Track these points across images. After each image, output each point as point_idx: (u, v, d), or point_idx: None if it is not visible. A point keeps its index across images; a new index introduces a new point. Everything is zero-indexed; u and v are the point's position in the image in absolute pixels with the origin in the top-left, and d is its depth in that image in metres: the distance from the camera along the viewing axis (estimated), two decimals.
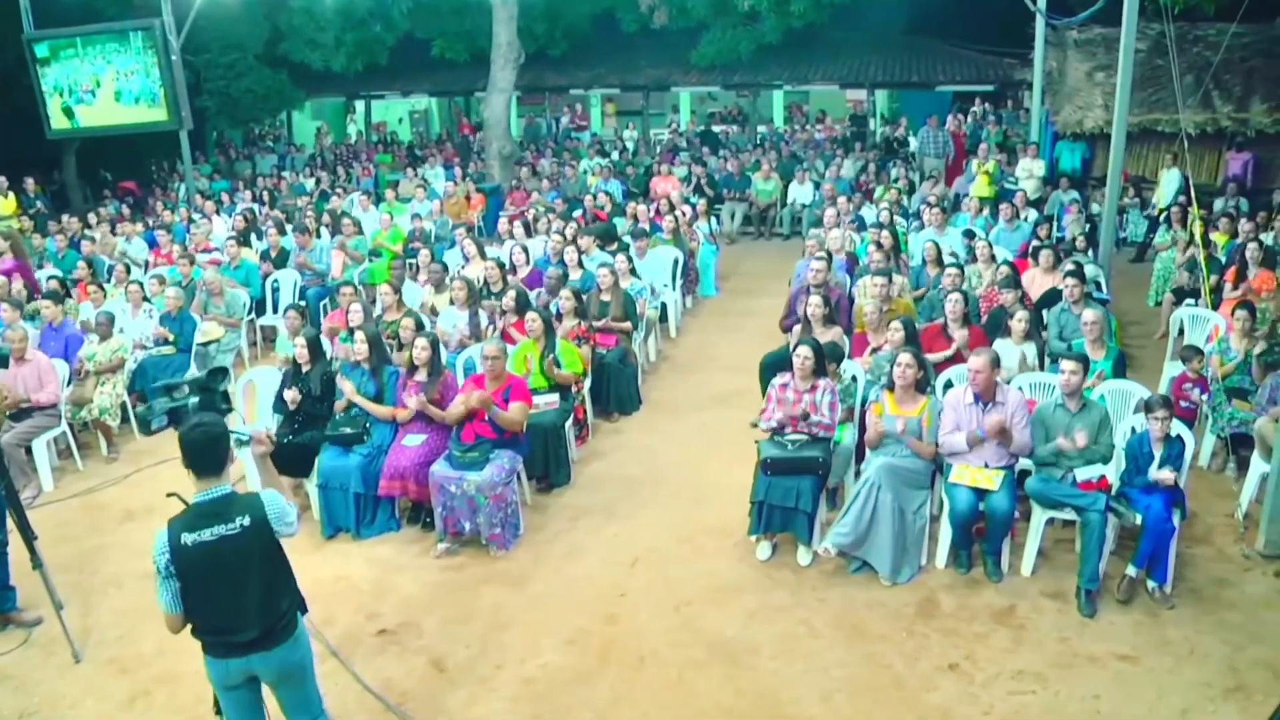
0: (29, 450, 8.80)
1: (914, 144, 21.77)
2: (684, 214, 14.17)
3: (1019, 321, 8.53)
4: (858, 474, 7.84)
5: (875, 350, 8.69)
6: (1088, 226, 13.54)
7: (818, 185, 18.30)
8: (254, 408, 8.76)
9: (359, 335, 7.94)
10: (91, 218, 16.91)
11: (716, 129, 27.38)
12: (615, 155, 22.21)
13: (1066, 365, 6.96)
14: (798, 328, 9.03)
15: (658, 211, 14.25)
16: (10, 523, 6.26)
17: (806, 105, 30.43)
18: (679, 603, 6.59)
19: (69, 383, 9.39)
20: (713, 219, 15.70)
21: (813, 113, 29.39)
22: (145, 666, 6.06)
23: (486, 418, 7.27)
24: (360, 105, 30.13)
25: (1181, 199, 14.79)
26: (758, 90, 25.98)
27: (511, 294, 9.32)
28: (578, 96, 29.52)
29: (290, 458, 7.75)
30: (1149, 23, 14.76)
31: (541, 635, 6.27)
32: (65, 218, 16.27)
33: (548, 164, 21.17)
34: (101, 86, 15.31)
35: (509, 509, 7.25)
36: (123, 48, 14.94)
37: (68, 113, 15.73)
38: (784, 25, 23.00)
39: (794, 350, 7.41)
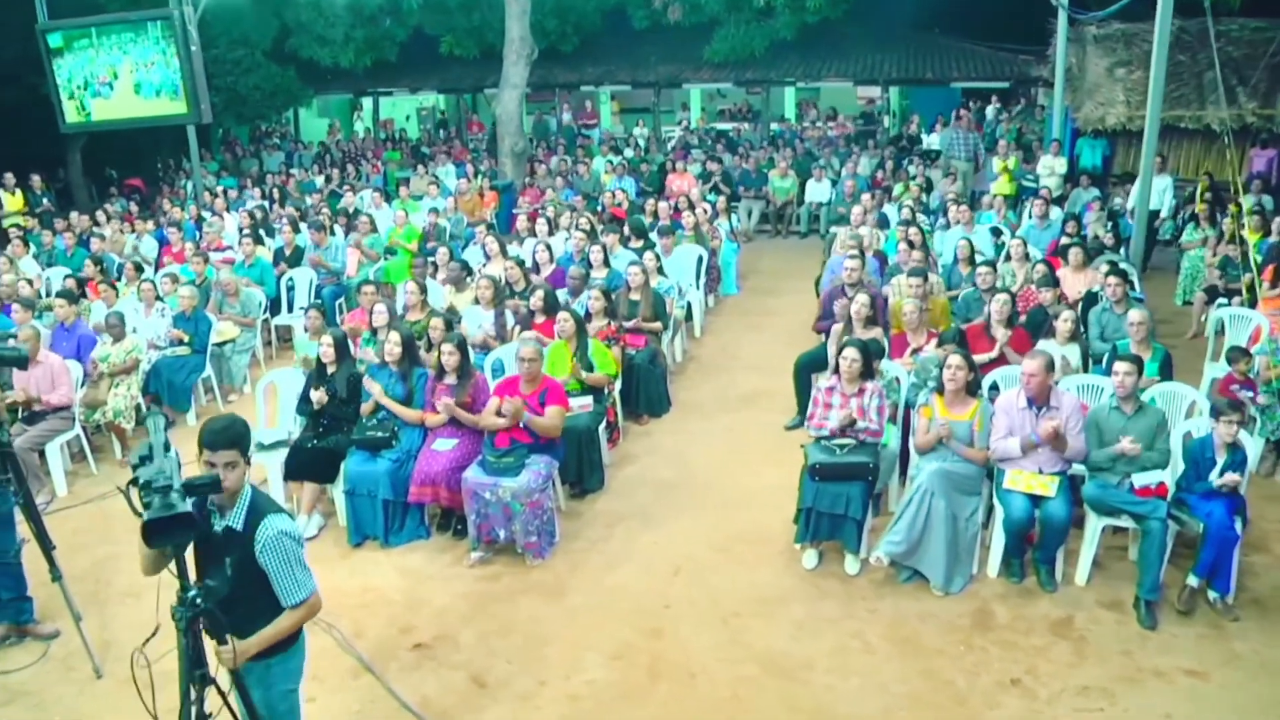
0: (42, 454, 8.54)
1: (927, 141, 21.57)
2: (704, 211, 13.93)
3: (1064, 322, 8.29)
4: (901, 479, 7.64)
5: (916, 351, 8.45)
6: (1109, 224, 13.27)
7: (834, 183, 18.08)
8: (275, 410, 8.51)
9: (393, 336, 7.65)
10: (99, 215, 16.65)
11: (726, 126, 27.14)
12: (629, 153, 21.89)
13: (1120, 367, 6.70)
14: (837, 328, 8.75)
15: (677, 209, 14.02)
16: (27, 531, 6.00)
17: (817, 102, 30.14)
18: (725, 614, 6.33)
19: (82, 384, 9.13)
20: (732, 216, 15.40)
21: (824, 109, 29.08)
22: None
23: (522, 424, 7.01)
24: (368, 102, 29.86)
25: (1208, 196, 14.62)
26: (769, 87, 25.65)
27: (539, 293, 9.06)
28: (588, 93, 29.24)
29: (314, 462, 7.51)
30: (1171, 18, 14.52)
31: (585, 650, 6.01)
32: (74, 215, 16.00)
33: (558, 161, 20.87)
34: (119, 78, 15.08)
35: (545, 516, 6.99)
36: (138, 38, 14.72)
37: (81, 106, 15.49)
38: (798, 21, 22.75)
39: (840, 352, 7.15)
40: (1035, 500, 6.47)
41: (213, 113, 16.55)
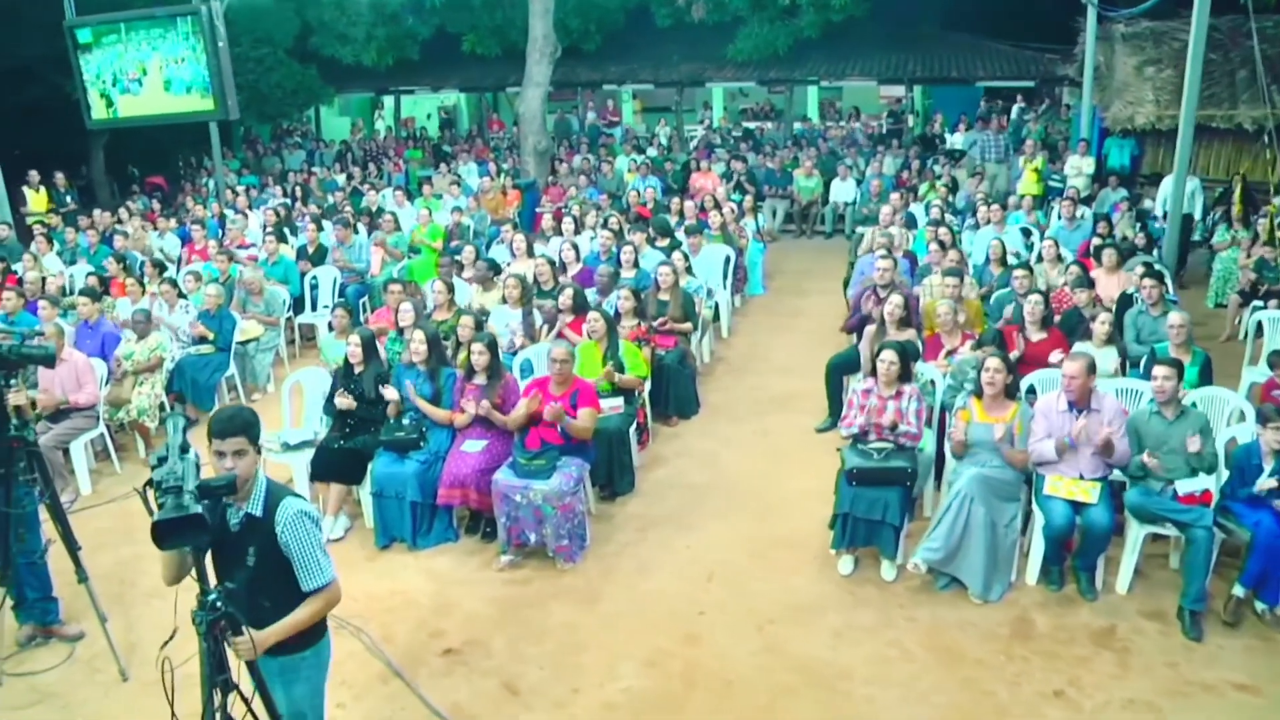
0: (66, 452, 8.48)
1: (951, 140, 21.39)
2: (730, 211, 13.79)
3: (1102, 324, 8.13)
4: (936, 483, 7.52)
5: (950, 353, 8.32)
6: (1138, 225, 13.07)
7: (859, 182, 17.93)
8: (301, 410, 8.42)
9: (417, 335, 7.54)
10: (122, 213, 16.63)
11: (749, 125, 27.00)
12: (652, 151, 21.76)
13: (1159, 371, 6.54)
14: (870, 329, 8.61)
15: (703, 208, 13.90)
16: (52, 531, 5.92)
17: (839, 101, 30.01)
18: (761, 622, 6.21)
19: (106, 382, 9.06)
20: (758, 216, 15.26)
21: (845, 109, 28.96)
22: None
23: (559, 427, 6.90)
24: (389, 101, 29.81)
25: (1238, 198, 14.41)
26: (793, 86, 25.50)
27: (568, 292, 8.93)
28: (610, 92, 29.14)
29: (341, 463, 7.43)
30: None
31: (619, 657, 5.89)
32: (97, 213, 15.98)
33: (581, 160, 20.76)
34: (148, 74, 15.04)
35: (576, 519, 6.87)
36: (167, 34, 14.67)
37: (108, 101, 15.46)
38: (823, 19, 22.57)
39: (877, 354, 7.02)
40: (1076, 507, 6.33)
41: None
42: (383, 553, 7.24)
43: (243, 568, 3.94)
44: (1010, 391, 6.79)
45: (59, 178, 18.31)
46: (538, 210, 17.85)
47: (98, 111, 15.74)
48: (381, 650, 6.00)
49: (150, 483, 3.61)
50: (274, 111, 24.80)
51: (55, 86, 20.26)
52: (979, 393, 6.80)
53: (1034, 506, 6.60)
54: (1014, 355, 7.90)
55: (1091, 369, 6.54)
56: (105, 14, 15.94)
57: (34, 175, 17.57)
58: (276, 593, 4.00)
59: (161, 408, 9.40)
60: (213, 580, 3.84)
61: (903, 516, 6.56)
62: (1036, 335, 8.27)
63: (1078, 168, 16.49)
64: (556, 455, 6.84)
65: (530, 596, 6.60)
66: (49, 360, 5.56)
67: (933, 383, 7.83)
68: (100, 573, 6.87)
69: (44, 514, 5.88)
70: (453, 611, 6.45)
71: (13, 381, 5.51)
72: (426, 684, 5.69)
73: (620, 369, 8.05)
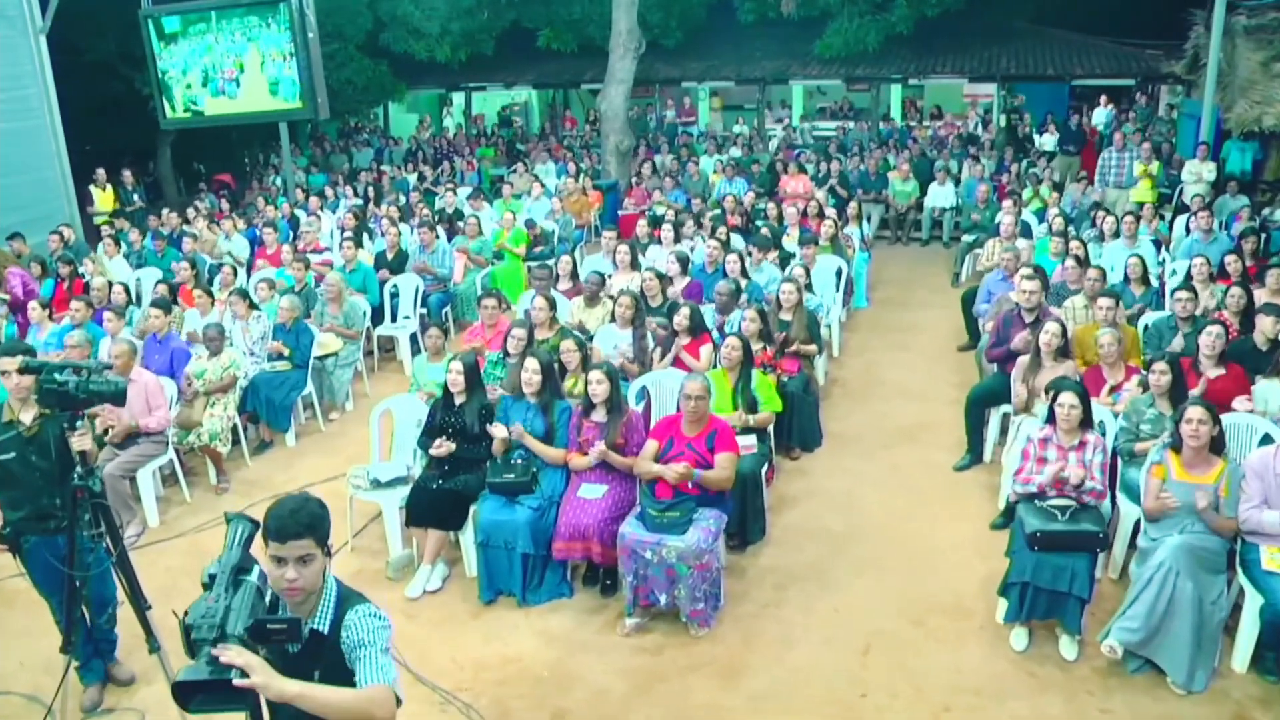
0: (132, 480, 7.73)
1: (1040, 141, 20.31)
2: (833, 217, 12.84)
3: None
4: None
5: (1114, 389, 7.36)
6: (1262, 235, 11.89)
7: (957, 185, 16.94)
8: (390, 441, 7.62)
9: (530, 364, 6.62)
10: (189, 212, 15.97)
11: (830, 125, 26.06)
12: (735, 151, 20.82)
13: None
14: (1022, 361, 7.67)
15: (805, 214, 12.97)
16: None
17: (920, 100, 28.94)
18: (935, 709, 5.31)
19: (175, 402, 8.32)
20: (862, 222, 14.27)
21: (927, 108, 27.94)
22: None
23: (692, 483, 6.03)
24: (458, 97, 29.08)
25: None
26: (879, 84, 24.50)
27: (684, 311, 8.05)
28: (688, 89, 28.29)
29: (440, 506, 6.58)
30: None
31: None
32: (165, 212, 15.30)
33: (662, 160, 19.87)
34: (245, 72, 14.36)
35: (712, 578, 5.99)
36: (264, 22, 13.99)
37: (193, 103, 14.85)
38: (916, 13, 21.61)
39: (1054, 398, 6.09)
40: None
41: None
42: (488, 608, 6.40)
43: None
44: (1216, 446, 5.84)
45: (126, 175, 17.71)
46: (620, 213, 17.08)
47: (173, 110, 15.05)
48: None
49: (183, 625, 2.85)
50: (344, 108, 24.08)
51: (127, 81, 19.82)
52: (1176, 446, 5.86)
53: (1242, 580, 5.64)
54: (1194, 394, 6.92)
55: None
56: (186, 2, 15.30)
57: (101, 174, 16.97)
58: None
59: (234, 430, 8.67)
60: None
61: (1091, 587, 5.64)
62: (1214, 371, 7.28)
63: (1197, 173, 15.33)
64: (693, 507, 5.92)
65: (664, 669, 5.74)
66: (119, 398, 4.77)
67: (1102, 423, 6.88)
68: (170, 625, 6.13)
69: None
70: (576, 686, 5.60)
71: (79, 423, 4.73)
72: None
73: (753, 407, 7.15)
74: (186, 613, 2.86)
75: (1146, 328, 8.82)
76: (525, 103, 31.33)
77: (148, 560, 7.23)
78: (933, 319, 12.35)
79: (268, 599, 3.08)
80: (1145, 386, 6.98)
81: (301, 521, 3.12)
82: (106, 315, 8.99)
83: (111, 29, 18.63)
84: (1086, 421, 6.09)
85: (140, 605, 5.12)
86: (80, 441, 4.74)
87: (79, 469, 4.73)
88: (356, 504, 7.21)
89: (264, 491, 8.28)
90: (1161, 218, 13.94)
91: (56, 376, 4.55)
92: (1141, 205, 13.94)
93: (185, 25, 14.87)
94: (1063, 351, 7.56)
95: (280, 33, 14.56)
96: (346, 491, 7.10)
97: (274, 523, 3.11)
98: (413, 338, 11.07)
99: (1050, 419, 6.16)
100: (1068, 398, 6.02)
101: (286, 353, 9.31)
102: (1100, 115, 21.27)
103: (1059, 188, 15.70)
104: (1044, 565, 5.62)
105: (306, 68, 14.27)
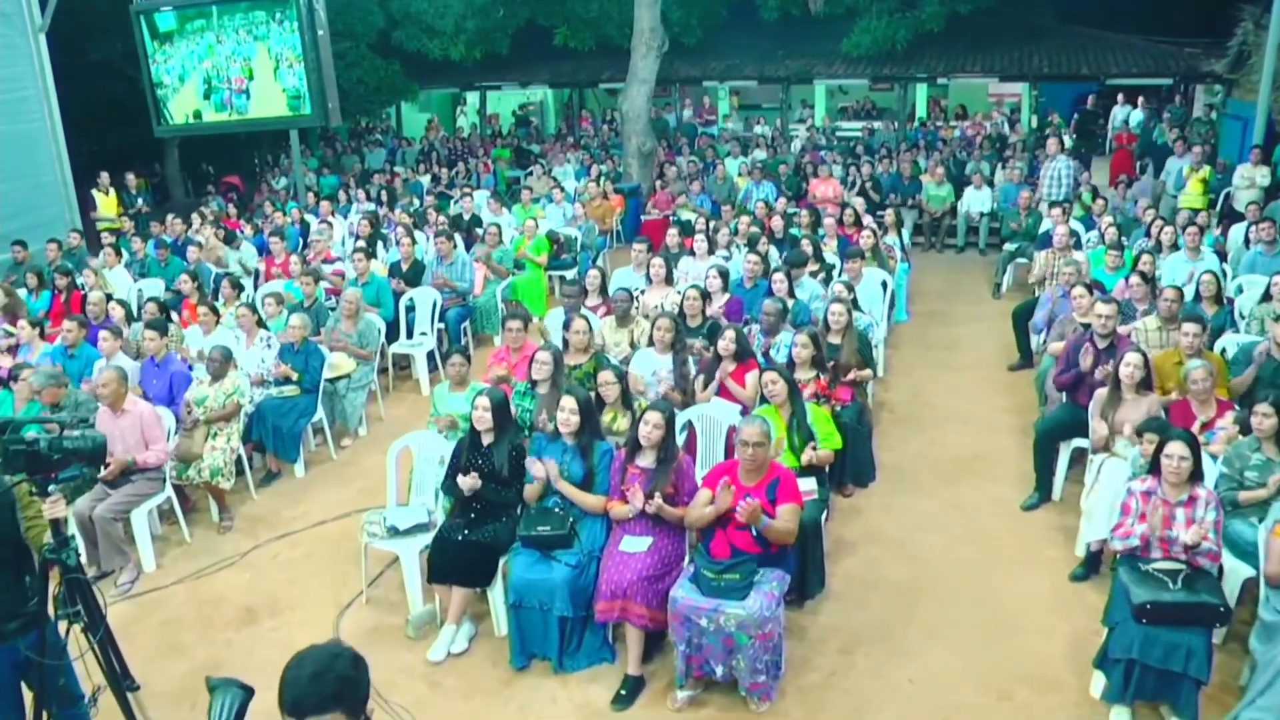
0: (125, 521, 7.05)
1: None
2: (872, 226, 12.12)
3: None
4: None
5: (1206, 427, 6.63)
6: None
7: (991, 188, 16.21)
8: (407, 482, 6.93)
9: (568, 402, 5.89)
10: (195, 218, 15.24)
11: (855, 125, 25.39)
12: (760, 153, 20.06)
13: None
14: (1101, 394, 6.96)
15: (841, 222, 12.24)
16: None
17: (944, 100, 28.23)
18: None
19: (174, 432, 7.64)
20: (903, 231, 13.53)
21: (951, 107, 27.26)
22: None
23: (755, 531, 5.31)
24: (472, 97, 28.39)
25: None
26: (905, 84, 23.78)
27: (730, 334, 7.31)
28: (706, 89, 27.62)
29: (466, 560, 5.87)
30: None
31: None
32: (169, 218, 14.59)
33: (688, 162, 19.13)
34: (255, 79, 13.65)
35: (774, 647, 5.26)
36: (271, 18, 13.27)
37: (196, 115, 14.14)
38: (947, 11, 20.91)
39: (1160, 449, 5.37)
40: None
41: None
42: (521, 675, 5.70)
43: None
44: None
45: (130, 179, 17.05)
46: (643, 218, 16.38)
47: (169, 119, 14.37)
48: None
49: None
50: (355, 108, 23.43)
51: (132, 82, 19.20)
52: None
53: None
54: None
55: None
56: None
57: (104, 177, 16.28)
58: None
59: (238, 463, 7.99)
60: None
61: (1209, 667, 4.92)
62: None
63: (1250, 178, 14.57)
64: (753, 568, 5.20)
65: None
66: (99, 454, 4.09)
67: None
68: (168, 690, 5.54)
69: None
70: None
71: (52, 488, 4.05)
72: None
73: (806, 441, 6.43)
74: None
75: (1223, 352, 8.13)
76: (540, 102, 30.70)
77: (143, 612, 6.63)
78: (977, 334, 11.63)
79: None
80: (1244, 427, 6.27)
81: (327, 691, 2.45)
82: (102, 335, 8.36)
83: (114, 27, 17.98)
84: (1197, 474, 5.38)
85: (122, 688, 4.44)
86: (52, 509, 4.06)
87: (48, 542, 4.05)
88: (373, 552, 6.55)
89: (271, 530, 7.63)
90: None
91: (24, 435, 3.88)
92: (1196, 213, 13.18)
93: (182, 22, 14.12)
94: (1144, 383, 6.85)
95: (290, 32, 13.86)
96: (361, 540, 6.43)
97: (291, 692, 2.45)
98: (429, 355, 10.38)
99: (1153, 469, 5.45)
100: (1177, 449, 5.28)
101: (295, 377, 8.62)
102: (1121, 114, 20.67)
103: (1096, 191, 15.00)
104: (1154, 641, 4.91)
105: (316, 69, 13.59)
